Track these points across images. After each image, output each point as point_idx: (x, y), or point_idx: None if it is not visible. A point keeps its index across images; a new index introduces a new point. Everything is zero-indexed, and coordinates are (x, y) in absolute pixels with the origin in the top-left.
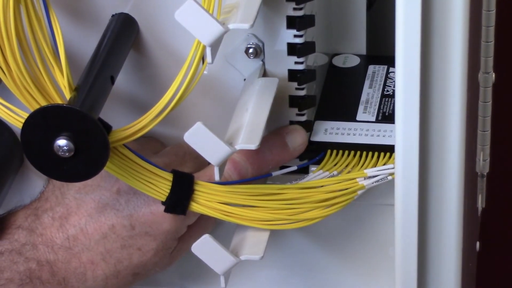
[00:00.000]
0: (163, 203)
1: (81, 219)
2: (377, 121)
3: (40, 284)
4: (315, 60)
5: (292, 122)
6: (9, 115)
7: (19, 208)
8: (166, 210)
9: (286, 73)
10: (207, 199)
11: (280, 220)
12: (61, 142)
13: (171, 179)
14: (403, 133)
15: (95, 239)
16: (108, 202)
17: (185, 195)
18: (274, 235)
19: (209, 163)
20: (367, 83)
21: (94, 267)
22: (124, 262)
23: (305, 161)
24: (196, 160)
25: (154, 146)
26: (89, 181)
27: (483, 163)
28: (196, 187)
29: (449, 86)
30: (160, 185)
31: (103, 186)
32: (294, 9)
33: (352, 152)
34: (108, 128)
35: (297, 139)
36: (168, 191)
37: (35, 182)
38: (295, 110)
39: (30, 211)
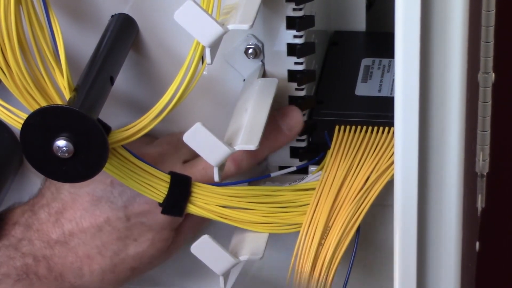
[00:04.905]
0: (160, 204)
1: (76, 213)
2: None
3: (37, 279)
4: (316, 61)
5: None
6: (8, 116)
7: (17, 206)
8: (163, 212)
9: (285, 74)
10: (204, 202)
11: (276, 224)
12: (61, 143)
13: (168, 180)
14: (403, 133)
15: (90, 233)
16: (103, 195)
17: (182, 197)
18: (274, 235)
19: None
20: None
21: (90, 261)
22: (121, 254)
23: (305, 162)
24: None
25: (147, 138)
26: None
27: (482, 163)
28: (193, 189)
29: (449, 86)
30: (158, 187)
31: (97, 179)
32: (294, 9)
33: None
34: (107, 129)
35: (290, 121)
36: (166, 192)
37: (34, 181)
38: None
39: (27, 207)
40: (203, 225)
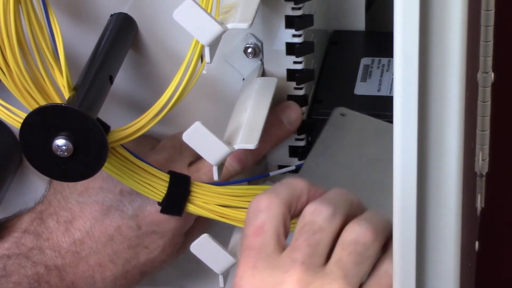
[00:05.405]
0: (159, 203)
1: (86, 222)
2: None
3: None
4: (315, 60)
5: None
6: (7, 115)
7: (24, 212)
8: (162, 211)
9: (284, 73)
10: (204, 201)
11: None
12: (60, 142)
13: (167, 180)
14: (402, 132)
15: (101, 242)
16: (112, 204)
17: (181, 196)
18: None
19: None
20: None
21: (102, 269)
22: (132, 261)
23: (304, 161)
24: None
25: (150, 143)
26: (90, 184)
27: (482, 162)
28: (193, 188)
29: (448, 85)
30: (157, 186)
31: (105, 188)
32: (293, 8)
33: None
34: (106, 128)
35: (292, 115)
36: (165, 192)
37: (37, 184)
38: None
39: (35, 214)
40: (210, 225)
